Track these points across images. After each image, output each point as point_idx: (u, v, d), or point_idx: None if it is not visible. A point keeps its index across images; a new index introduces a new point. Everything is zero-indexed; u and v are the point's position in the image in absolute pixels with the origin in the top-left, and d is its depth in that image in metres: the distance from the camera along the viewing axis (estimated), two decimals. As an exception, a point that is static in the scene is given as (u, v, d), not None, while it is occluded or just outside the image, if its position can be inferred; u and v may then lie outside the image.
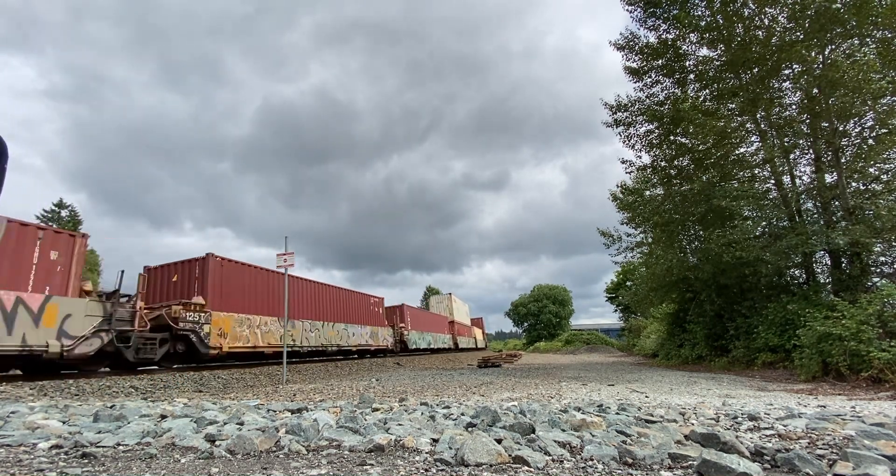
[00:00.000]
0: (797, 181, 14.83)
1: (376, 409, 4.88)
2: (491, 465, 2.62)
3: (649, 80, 16.46)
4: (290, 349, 15.00)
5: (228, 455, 2.98)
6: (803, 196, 14.32)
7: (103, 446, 3.21)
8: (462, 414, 4.39)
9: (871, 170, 13.40)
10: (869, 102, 12.42)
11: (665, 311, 24.21)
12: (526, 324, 67.71)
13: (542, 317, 65.26)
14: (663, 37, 15.80)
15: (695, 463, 2.47)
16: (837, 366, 9.45)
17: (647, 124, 16.60)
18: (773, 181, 15.17)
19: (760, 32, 13.86)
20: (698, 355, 17.37)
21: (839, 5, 11.98)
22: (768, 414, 4.49)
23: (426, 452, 2.95)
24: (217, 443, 3.26)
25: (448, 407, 5.13)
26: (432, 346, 30.25)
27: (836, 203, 13.39)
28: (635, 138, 17.01)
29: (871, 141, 13.05)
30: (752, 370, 12.99)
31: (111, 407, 5.14)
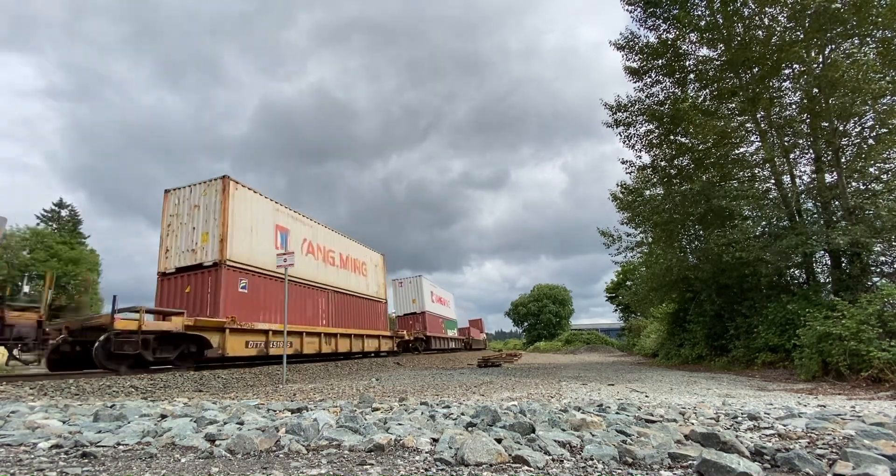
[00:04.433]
0: (797, 181, 14.82)
1: (376, 409, 4.88)
2: (491, 465, 2.62)
3: (649, 79, 16.46)
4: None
5: (228, 455, 2.98)
6: (803, 196, 14.31)
7: (103, 446, 3.21)
8: (462, 413, 4.39)
9: (872, 170, 13.39)
10: (869, 102, 12.41)
11: (665, 311, 24.20)
12: (526, 324, 67.81)
13: (542, 317, 65.32)
14: (663, 37, 15.80)
15: (695, 462, 2.47)
16: (837, 366, 9.44)
17: (647, 124, 16.60)
18: (773, 181, 15.15)
19: (760, 32, 13.85)
20: (698, 355, 17.36)
21: (839, 5, 11.98)
22: (768, 413, 4.49)
23: (426, 452, 2.94)
24: (217, 442, 3.25)
25: (448, 406, 5.12)
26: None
27: (836, 203, 13.38)
28: (635, 138, 17.02)
29: (871, 141, 13.05)
30: (752, 370, 12.98)
31: (111, 406, 5.14)
